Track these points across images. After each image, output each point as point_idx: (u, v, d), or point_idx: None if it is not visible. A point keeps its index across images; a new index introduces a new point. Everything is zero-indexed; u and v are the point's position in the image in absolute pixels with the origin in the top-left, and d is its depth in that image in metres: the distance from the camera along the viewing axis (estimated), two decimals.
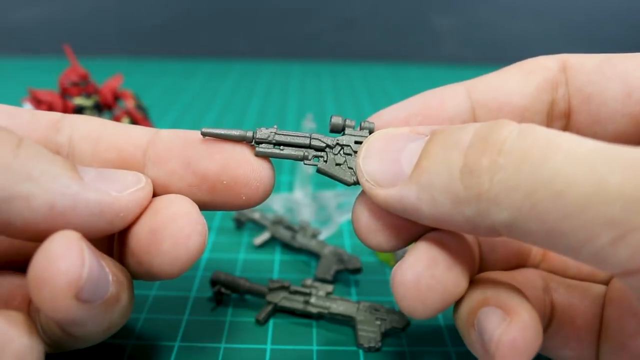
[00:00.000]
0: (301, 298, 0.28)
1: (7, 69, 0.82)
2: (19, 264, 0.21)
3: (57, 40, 0.64)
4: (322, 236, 0.36)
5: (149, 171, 0.20)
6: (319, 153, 0.21)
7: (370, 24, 0.90)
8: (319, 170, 0.21)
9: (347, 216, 0.38)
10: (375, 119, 0.22)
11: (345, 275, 0.32)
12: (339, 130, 0.21)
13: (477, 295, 0.19)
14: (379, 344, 0.25)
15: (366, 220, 0.20)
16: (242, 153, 0.20)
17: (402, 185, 0.18)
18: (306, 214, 0.39)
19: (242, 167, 0.20)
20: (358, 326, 0.26)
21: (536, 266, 0.24)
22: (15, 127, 0.19)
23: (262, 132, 0.20)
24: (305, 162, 0.21)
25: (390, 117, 0.21)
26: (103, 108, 0.46)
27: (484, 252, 0.22)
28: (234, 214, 0.37)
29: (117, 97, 0.46)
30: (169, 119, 0.61)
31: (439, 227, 0.18)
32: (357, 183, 0.20)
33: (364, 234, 0.20)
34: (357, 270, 0.31)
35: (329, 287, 0.28)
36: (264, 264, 0.33)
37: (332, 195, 0.41)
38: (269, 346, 0.26)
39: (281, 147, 0.21)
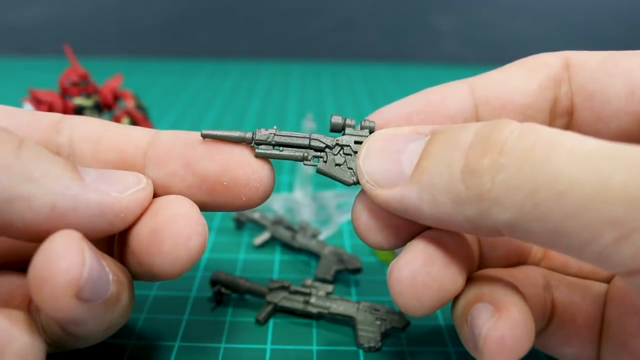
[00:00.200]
0: (301, 298, 0.28)
1: (7, 69, 0.82)
2: (19, 264, 0.21)
3: (57, 40, 0.64)
4: (322, 236, 0.36)
5: (149, 172, 0.20)
6: (318, 153, 0.21)
7: (370, 24, 0.90)
8: (318, 171, 0.21)
9: (347, 216, 0.38)
10: (376, 116, 0.22)
11: (345, 275, 0.32)
12: (339, 129, 0.21)
13: (473, 291, 0.19)
14: (379, 344, 0.25)
15: (366, 219, 0.20)
16: (242, 154, 0.20)
17: (403, 186, 0.18)
18: (306, 214, 0.39)
19: (242, 168, 0.20)
20: (358, 326, 0.26)
21: (537, 264, 0.24)
22: (15, 127, 0.19)
23: (262, 133, 0.20)
24: (305, 162, 0.21)
25: (391, 115, 0.21)
26: (103, 108, 0.46)
27: (484, 250, 0.22)
28: (234, 214, 0.37)
29: (117, 97, 0.46)
30: (169, 119, 0.61)
31: (440, 227, 0.18)
32: (357, 183, 0.20)
33: (364, 233, 0.20)
34: (357, 270, 0.31)
35: (329, 287, 0.28)
36: (264, 264, 0.33)
37: (332, 195, 0.41)
38: (269, 346, 0.26)
39: (281, 148, 0.21)
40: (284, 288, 0.28)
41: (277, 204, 0.40)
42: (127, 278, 0.19)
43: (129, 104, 0.46)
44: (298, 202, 0.40)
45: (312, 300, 0.27)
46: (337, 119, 0.21)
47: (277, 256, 0.34)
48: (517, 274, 0.22)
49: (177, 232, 0.18)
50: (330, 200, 0.41)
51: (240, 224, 0.37)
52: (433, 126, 0.19)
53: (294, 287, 0.28)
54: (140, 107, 0.47)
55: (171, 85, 0.75)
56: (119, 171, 0.20)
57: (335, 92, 0.74)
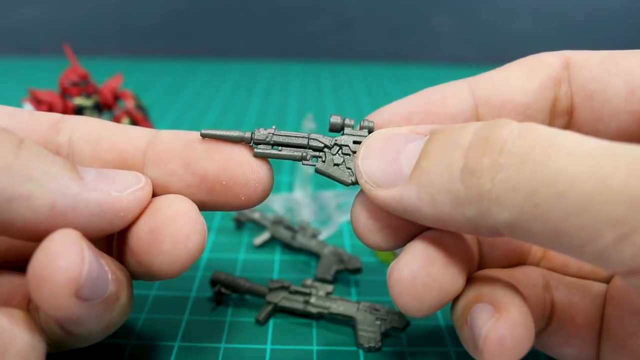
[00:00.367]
0: (301, 298, 0.28)
1: (7, 69, 0.82)
2: (18, 264, 0.21)
3: (57, 40, 0.64)
4: (322, 236, 0.36)
5: (148, 172, 0.20)
6: (317, 153, 0.21)
7: (370, 24, 0.90)
8: (317, 171, 0.21)
9: (347, 216, 0.38)
10: (376, 116, 0.22)
11: (345, 275, 0.32)
12: (338, 129, 0.21)
13: (473, 291, 0.19)
14: (379, 344, 0.25)
15: (365, 219, 0.20)
16: (241, 154, 0.20)
17: (402, 186, 0.18)
18: (306, 214, 0.39)
19: (241, 167, 0.20)
20: (358, 326, 0.26)
21: (536, 264, 0.24)
22: (15, 127, 0.19)
23: (261, 133, 0.20)
24: (304, 162, 0.21)
25: (391, 115, 0.21)
26: (103, 108, 0.46)
27: (484, 250, 0.22)
28: (234, 214, 0.37)
29: (117, 97, 0.46)
30: (169, 119, 0.61)
31: (439, 227, 0.18)
32: (355, 183, 0.20)
33: (363, 233, 0.20)
34: (357, 270, 0.31)
35: (329, 287, 0.28)
36: (264, 264, 0.33)
37: (332, 195, 0.41)
38: (269, 346, 0.26)
39: (279, 147, 0.21)
40: (284, 288, 0.28)
41: (277, 204, 0.40)
42: (126, 277, 0.19)
43: (129, 104, 0.46)
44: (298, 202, 0.40)
45: (312, 300, 0.27)
46: (336, 119, 0.21)
47: (277, 256, 0.34)
48: (516, 274, 0.22)
49: (176, 231, 0.18)
50: (330, 200, 0.41)
51: (240, 224, 0.37)
52: (432, 126, 0.19)
53: (294, 287, 0.28)
54: (140, 107, 0.47)
55: (171, 85, 0.75)
56: (119, 170, 0.20)
57: (335, 92, 0.74)
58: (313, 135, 0.21)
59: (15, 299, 0.20)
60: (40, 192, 0.16)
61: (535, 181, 0.14)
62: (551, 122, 0.21)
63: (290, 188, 0.43)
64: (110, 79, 0.46)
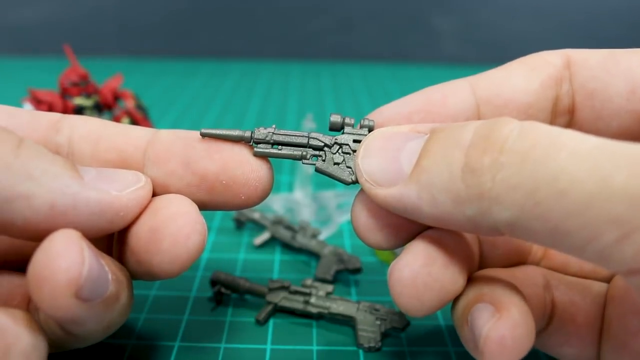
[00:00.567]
0: (301, 298, 0.28)
1: (7, 69, 0.82)
2: (18, 264, 0.21)
3: (57, 40, 0.64)
4: (322, 236, 0.36)
5: (148, 171, 0.20)
6: (317, 152, 0.21)
7: (370, 24, 0.90)
8: (317, 170, 0.21)
9: (347, 216, 0.38)
10: (376, 115, 0.22)
11: (345, 275, 0.32)
12: (338, 128, 0.21)
13: (473, 291, 0.19)
14: (379, 344, 0.25)
15: (365, 219, 0.20)
16: (241, 153, 0.20)
17: (402, 184, 0.18)
18: (306, 214, 0.39)
19: (241, 167, 0.20)
20: (358, 326, 0.26)
21: (537, 263, 0.24)
22: (14, 127, 0.19)
23: (260, 132, 0.20)
24: (304, 161, 0.21)
25: (391, 114, 0.21)
26: (103, 108, 0.46)
27: (484, 249, 0.22)
28: (234, 214, 0.37)
29: (117, 97, 0.46)
30: (169, 119, 0.61)
31: (439, 226, 0.18)
32: (355, 182, 0.20)
33: (363, 232, 0.20)
34: (357, 270, 0.31)
35: (329, 287, 0.28)
36: (264, 264, 0.33)
37: (332, 195, 0.41)
38: (269, 346, 0.26)
39: (279, 146, 0.21)
40: (284, 288, 0.28)
41: (277, 204, 0.40)
42: (126, 277, 0.19)
43: (129, 104, 0.46)
44: (298, 202, 0.40)
45: (312, 300, 0.27)
46: (336, 118, 0.21)
47: (277, 256, 0.34)
48: (517, 273, 0.22)
49: (176, 231, 0.18)
50: (330, 200, 0.41)
51: (240, 224, 0.37)
52: (432, 124, 0.19)
53: (294, 287, 0.28)
54: (140, 107, 0.47)
55: (171, 85, 0.75)
56: (119, 170, 0.20)
57: (335, 92, 0.74)
58: (313, 134, 0.21)
59: (15, 299, 0.20)
60: (40, 191, 0.16)
61: (536, 180, 0.14)
62: (552, 121, 0.21)
63: (290, 188, 0.43)
64: (110, 79, 0.46)
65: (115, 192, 0.18)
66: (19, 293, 0.20)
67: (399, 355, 0.25)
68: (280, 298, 0.28)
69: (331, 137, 0.21)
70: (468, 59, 0.90)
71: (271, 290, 0.28)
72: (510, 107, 0.21)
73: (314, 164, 0.21)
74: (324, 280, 0.30)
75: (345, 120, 0.21)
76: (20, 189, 0.16)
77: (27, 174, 0.16)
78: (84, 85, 0.44)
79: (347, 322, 0.27)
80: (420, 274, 0.18)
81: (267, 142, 0.20)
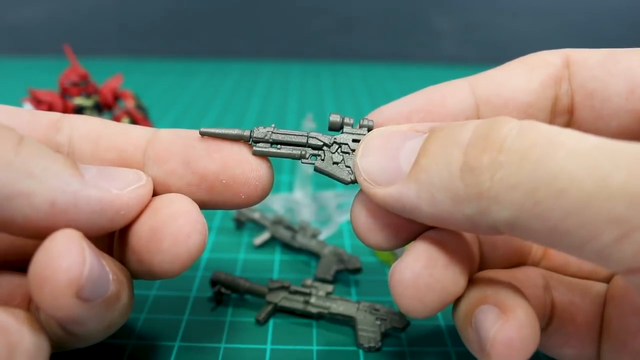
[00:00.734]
0: (301, 298, 0.28)
1: (7, 69, 0.82)
2: (18, 264, 0.21)
3: (57, 40, 0.64)
4: (322, 236, 0.36)
5: (148, 170, 0.20)
6: (316, 152, 0.21)
7: (370, 24, 0.90)
8: (316, 169, 0.21)
9: (347, 216, 0.38)
10: (376, 115, 0.22)
11: (345, 275, 0.32)
12: (337, 128, 0.21)
13: (476, 293, 0.19)
14: (379, 344, 0.25)
15: (364, 219, 0.20)
16: (241, 152, 0.20)
17: (401, 183, 0.18)
18: (306, 214, 0.39)
19: (241, 166, 0.20)
20: (358, 326, 0.26)
21: (537, 264, 0.24)
22: (15, 126, 0.19)
23: (260, 131, 0.20)
24: (303, 160, 0.21)
25: (391, 113, 0.21)
26: (103, 108, 0.46)
27: (484, 250, 0.22)
28: (234, 214, 0.37)
29: (117, 97, 0.46)
30: (169, 119, 0.61)
31: (438, 225, 0.18)
32: (354, 182, 0.20)
33: (363, 233, 0.20)
34: (357, 270, 0.31)
35: (329, 287, 0.28)
36: (264, 264, 0.33)
37: (332, 195, 0.41)
38: (269, 346, 0.26)
39: (278, 145, 0.21)
40: (284, 288, 0.28)
41: (277, 204, 0.40)
42: (127, 277, 0.19)
43: (129, 104, 0.46)
44: (298, 202, 0.40)
45: (312, 300, 0.27)
46: (335, 118, 0.21)
47: (277, 256, 0.34)
48: (517, 274, 0.22)
49: (176, 230, 0.18)
50: (330, 200, 0.41)
51: (240, 224, 0.37)
52: (431, 123, 0.19)
53: (294, 287, 0.28)
54: (140, 107, 0.47)
55: (171, 85, 0.75)
56: (119, 168, 0.20)
57: (335, 92, 0.74)
58: (312, 134, 0.21)
59: (16, 299, 0.20)
60: (41, 189, 0.16)
61: (535, 179, 0.14)
62: (552, 121, 0.21)
63: (290, 188, 0.43)
64: (110, 79, 0.46)
65: (116, 190, 0.18)
66: (20, 293, 0.20)
67: (399, 355, 0.25)
68: (280, 298, 0.28)
69: (330, 137, 0.21)
70: (468, 59, 0.90)
71: (271, 290, 0.28)
72: (509, 106, 0.21)
73: (313, 163, 0.21)
74: (324, 280, 0.30)
75: (345, 120, 0.21)
76: (21, 187, 0.16)
77: (27, 172, 0.16)
78: (84, 85, 0.44)
79: (347, 322, 0.27)
80: (421, 275, 0.18)
81: (266, 141, 0.20)
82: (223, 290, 0.28)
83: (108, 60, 0.83)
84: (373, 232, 0.20)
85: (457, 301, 0.20)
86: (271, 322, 0.28)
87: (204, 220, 0.19)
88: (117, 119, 0.46)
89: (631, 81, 0.19)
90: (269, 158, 0.21)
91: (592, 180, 0.13)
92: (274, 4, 0.89)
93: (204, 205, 0.20)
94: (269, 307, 0.27)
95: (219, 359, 0.25)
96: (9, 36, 0.89)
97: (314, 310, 0.27)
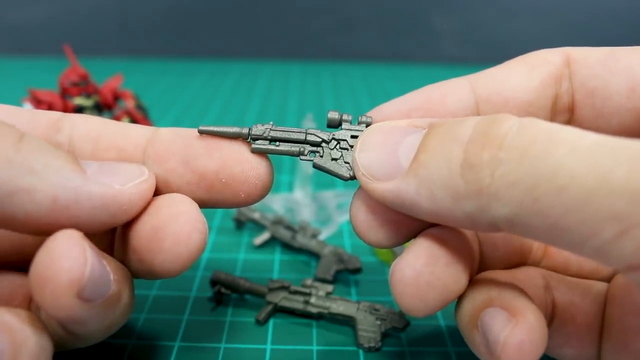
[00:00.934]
0: (301, 298, 0.28)
1: (7, 69, 0.82)
2: (19, 264, 0.21)
3: (57, 40, 0.64)
4: (322, 236, 0.36)
5: (148, 169, 0.20)
6: (315, 148, 0.21)
7: (370, 24, 0.90)
8: (314, 166, 0.21)
9: (347, 216, 0.38)
10: (375, 113, 0.21)
11: (345, 275, 0.32)
12: (335, 125, 0.21)
13: (480, 295, 0.19)
14: (379, 344, 0.25)
15: (364, 215, 0.20)
16: (240, 151, 0.20)
17: (400, 179, 0.17)
18: (306, 214, 0.39)
19: (241, 165, 0.20)
20: (358, 326, 0.26)
21: (537, 263, 0.24)
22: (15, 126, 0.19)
23: (258, 129, 0.20)
24: (301, 157, 0.21)
25: (390, 111, 0.21)
26: (103, 108, 0.46)
27: (484, 250, 0.22)
28: (234, 214, 0.37)
29: (117, 97, 0.46)
30: (169, 119, 0.61)
31: (437, 222, 0.18)
32: (353, 178, 0.20)
33: (362, 229, 0.20)
34: (357, 270, 0.31)
35: (329, 287, 0.28)
36: (264, 264, 0.33)
37: (332, 195, 0.41)
38: (269, 346, 0.26)
39: (277, 143, 0.21)
40: (284, 288, 0.28)
41: (277, 204, 0.40)
42: (128, 277, 0.19)
43: (129, 104, 0.46)
44: (298, 202, 0.40)
45: (312, 300, 0.27)
46: (333, 115, 0.21)
47: (277, 256, 0.34)
48: (518, 275, 0.22)
49: (177, 230, 0.18)
50: (330, 200, 0.41)
51: (240, 224, 0.37)
52: (430, 119, 0.18)
53: (294, 287, 0.28)
54: (140, 107, 0.47)
55: (171, 85, 0.75)
56: (121, 163, 0.19)
57: (335, 92, 0.74)
58: (311, 130, 0.21)
59: (17, 299, 0.20)
60: (42, 185, 0.16)
61: (535, 176, 0.14)
62: (552, 119, 0.21)
63: (290, 188, 0.43)
64: (110, 79, 0.46)
65: (118, 185, 0.18)
66: (21, 293, 0.20)
67: (399, 355, 0.25)
68: (280, 298, 0.28)
69: (329, 133, 0.21)
70: (468, 59, 0.90)
71: (271, 290, 0.28)
72: (509, 105, 0.21)
73: (312, 160, 0.21)
74: (324, 280, 0.30)
75: (343, 117, 0.21)
76: (22, 183, 0.16)
77: (28, 168, 0.16)
78: (84, 85, 0.44)
79: (347, 322, 0.27)
80: (422, 273, 0.18)
81: (265, 139, 0.20)
82: (223, 290, 0.28)
83: (108, 60, 0.83)
84: (372, 228, 0.20)
85: (459, 303, 0.20)
86: (271, 322, 0.28)
87: (204, 219, 0.19)
88: (117, 118, 0.46)
89: (632, 79, 0.19)
90: (269, 157, 0.21)
91: (593, 176, 0.13)
92: (274, 4, 0.89)
93: (203, 204, 0.20)
94: (269, 307, 0.27)
95: (219, 359, 0.25)
96: (9, 36, 0.89)
97: (314, 310, 0.27)
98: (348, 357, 0.25)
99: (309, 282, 0.29)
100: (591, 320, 0.21)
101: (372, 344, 0.25)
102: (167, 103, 0.67)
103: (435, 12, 0.89)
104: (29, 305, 0.20)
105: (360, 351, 0.26)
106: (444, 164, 0.16)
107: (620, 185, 0.13)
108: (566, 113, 0.21)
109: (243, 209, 0.36)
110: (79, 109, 0.43)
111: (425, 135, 0.18)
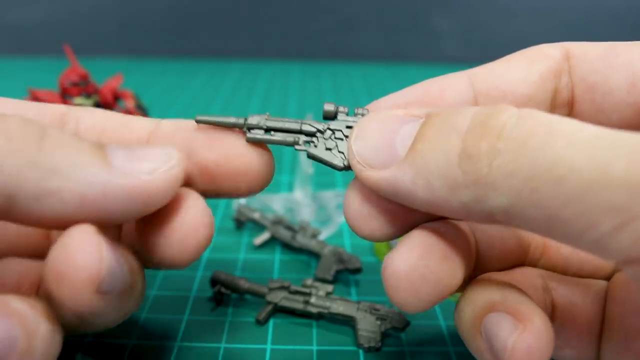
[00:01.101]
0: (301, 298, 0.28)
1: (7, 69, 0.82)
2: (26, 250, 0.21)
3: (57, 40, 0.64)
4: (322, 236, 0.36)
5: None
6: (310, 138, 0.21)
7: (370, 24, 0.90)
8: (309, 155, 0.21)
9: None
10: (373, 106, 0.21)
11: (345, 275, 0.32)
12: (331, 116, 0.21)
13: (481, 299, 0.19)
14: (379, 344, 0.25)
15: (358, 205, 0.19)
16: (242, 143, 0.20)
17: (396, 167, 0.17)
18: (306, 214, 0.39)
19: (242, 157, 0.20)
20: (358, 326, 0.26)
21: (535, 263, 0.23)
22: None
23: (254, 118, 0.21)
24: (296, 147, 0.21)
25: (388, 105, 0.21)
26: (103, 108, 0.46)
27: (480, 249, 0.22)
28: (234, 213, 0.37)
29: (117, 97, 0.46)
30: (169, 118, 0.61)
31: (432, 211, 0.17)
32: (347, 168, 0.20)
33: (355, 220, 0.19)
34: (357, 270, 0.31)
35: (329, 287, 0.28)
36: (264, 264, 0.33)
37: (332, 195, 0.41)
38: (269, 346, 0.26)
39: (272, 132, 0.21)
40: (284, 288, 0.28)
41: (277, 204, 0.40)
42: (139, 266, 0.19)
43: (129, 103, 0.46)
44: (298, 202, 0.40)
45: (312, 300, 0.27)
46: (329, 106, 0.21)
47: (277, 256, 0.34)
48: (516, 276, 0.22)
49: (186, 223, 0.18)
50: (330, 200, 0.41)
51: (240, 224, 0.37)
52: (428, 109, 0.18)
53: (294, 287, 0.28)
54: (140, 106, 0.47)
55: (171, 85, 0.75)
56: (148, 147, 0.19)
57: (335, 92, 0.74)
58: (306, 121, 0.21)
59: (25, 285, 0.20)
60: (68, 184, 0.16)
61: (534, 167, 0.14)
62: (551, 113, 0.21)
63: (290, 188, 0.43)
64: (110, 79, 0.46)
65: (145, 176, 0.17)
66: (28, 280, 0.20)
67: (399, 355, 0.25)
68: (280, 298, 0.28)
69: (324, 124, 0.21)
70: (468, 59, 0.90)
71: (271, 290, 0.28)
72: (508, 99, 0.20)
73: (307, 150, 0.21)
74: (324, 280, 0.30)
75: (339, 109, 0.21)
76: (48, 185, 0.16)
77: (53, 168, 0.16)
78: (84, 85, 0.44)
79: (347, 322, 0.27)
80: (416, 267, 0.17)
81: (260, 128, 0.21)
82: (223, 290, 0.28)
83: (108, 60, 0.83)
84: (366, 219, 0.19)
85: (459, 307, 0.20)
86: (271, 322, 0.28)
87: (211, 213, 0.19)
88: None
89: (632, 74, 0.19)
90: (270, 148, 0.21)
91: (592, 168, 0.13)
92: (274, 4, 0.89)
93: (205, 196, 0.20)
94: (269, 307, 0.27)
95: (219, 359, 0.25)
96: (9, 36, 0.89)
97: (314, 310, 0.27)
98: (348, 357, 0.25)
99: (309, 282, 0.29)
100: (592, 320, 0.21)
101: (372, 344, 0.25)
102: (167, 103, 0.67)
103: (435, 12, 0.89)
104: (37, 291, 0.20)
105: (360, 351, 0.26)
106: (441, 153, 0.16)
107: (619, 177, 0.13)
108: (565, 108, 0.21)
109: (243, 209, 0.36)
110: None
111: (423, 124, 0.17)
